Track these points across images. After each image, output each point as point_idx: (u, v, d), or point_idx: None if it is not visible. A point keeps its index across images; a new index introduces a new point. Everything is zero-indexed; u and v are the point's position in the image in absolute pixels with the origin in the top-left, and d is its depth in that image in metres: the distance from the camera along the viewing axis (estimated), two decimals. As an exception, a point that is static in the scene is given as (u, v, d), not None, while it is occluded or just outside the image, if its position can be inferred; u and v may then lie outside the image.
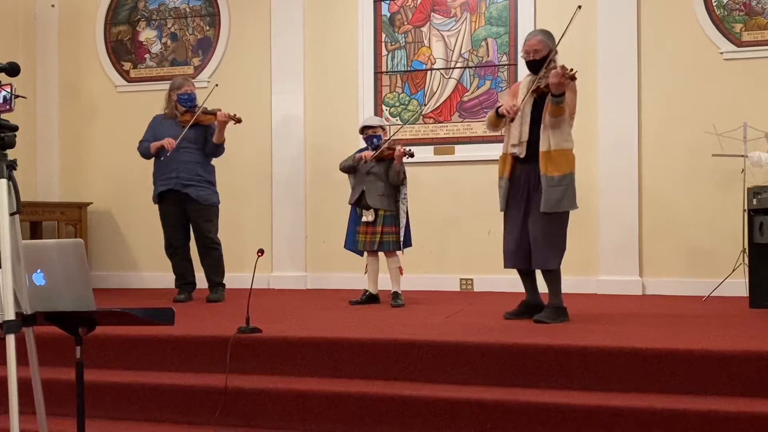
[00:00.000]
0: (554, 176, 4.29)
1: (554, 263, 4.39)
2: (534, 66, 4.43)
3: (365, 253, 5.48)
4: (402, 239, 5.34)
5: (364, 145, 5.61)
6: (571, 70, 4.14)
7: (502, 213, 4.58)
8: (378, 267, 5.47)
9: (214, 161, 5.89)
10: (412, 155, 5.25)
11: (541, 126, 4.35)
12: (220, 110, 5.68)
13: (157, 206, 5.87)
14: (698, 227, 6.01)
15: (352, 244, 5.54)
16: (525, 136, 4.40)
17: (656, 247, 6.11)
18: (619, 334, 3.88)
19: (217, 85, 5.73)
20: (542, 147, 4.33)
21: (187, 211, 5.75)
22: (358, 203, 5.42)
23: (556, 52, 4.45)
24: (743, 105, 5.85)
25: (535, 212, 4.37)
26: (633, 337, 3.72)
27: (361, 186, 5.39)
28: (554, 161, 4.30)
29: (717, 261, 5.81)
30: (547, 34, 4.47)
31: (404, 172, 5.34)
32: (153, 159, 5.84)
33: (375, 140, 5.42)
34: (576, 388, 3.39)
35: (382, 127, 5.55)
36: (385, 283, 5.54)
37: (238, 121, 5.74)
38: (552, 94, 4.21)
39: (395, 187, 5.38)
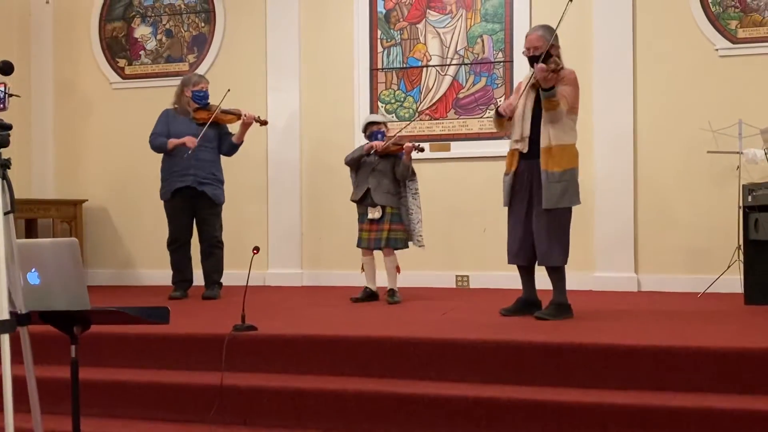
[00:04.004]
0: (554, 172, 4.31)
1: (558, 260, 4.39)
2: (533, 61, 4.43)
3: (361, 252, 5.44)
4: (418, 233, 5.32)
5: (360, 139, 5.58)
6: (558, 64, 4.17)
7: (506, 209, 4.60)
8: (374, 264, 5.45)
9: None
10: (421, 150, 5.25)
11: (542, 121, 4.36)
12: (240, 110, 5.74)
13: (150, 203, 5.85)
14: (693, 224, 6.02)
15: None
16: (526, 132, 4.43)
17: (652, 243, 6.12)
18: (615, 331, 3.89)
19: (229, 90, 5.69)
20: (542, 143, 4.35)
21: (197, 208, 5.74)
22: (362, 201, 5.38)
23: (558, 47, 4.46)
24: (738, 102, 5.86)
25: (538, 209, 4.38)
26: (628, 334, 3.73)
27: (366, 183, 5.34)
28: (554, 157, 4.32)
29: (712, 258, 5.81)
30: (548, 30, 4.48)
31: (413, 169, 5.35)
32: (162, 155, 5.81)
33: (380, 136, 5.38)
34: (572, 386, 3.39)
35: (386, 124, 5.52)
36: (380, 280, 5.53)
37: (264, 123, 5.80)
38: (542, 88, 4.24)
39: (400, 183, 5.36)
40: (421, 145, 5.31)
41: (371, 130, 5.46)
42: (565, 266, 4.48)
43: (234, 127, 5.89)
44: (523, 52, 4.62)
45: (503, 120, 4.54)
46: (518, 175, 4.48)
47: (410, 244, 5.42)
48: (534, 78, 4.36)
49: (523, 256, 4.50)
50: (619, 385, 3.35)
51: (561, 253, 4.39)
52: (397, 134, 5.45)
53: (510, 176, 4.51)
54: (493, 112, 4.63)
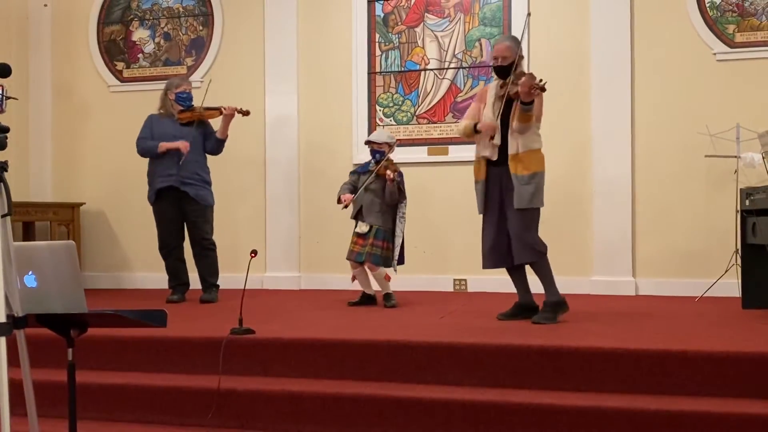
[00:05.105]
0: (524, 175, 4.41)
1: (533, 255, 4.45)
2: (501, 71, 4.52)
3: (350, 264, 5.45)
4: (396, 257, 5.34)
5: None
6: (541, 81, 4.20)
7: (481, 216, 4.66)
8: (365, 272, 5.42)
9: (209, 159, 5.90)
10: (398, 185, 5.32)
11: (509, 131, 4.43)
12: (221, 105, 5.73)
13: (147, 206, 5.86)
14: (691, 228, 6.02)
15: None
16: (497, 141, 4.49)
17: (649, 247, 6.12)
18: (612, 335, 3.89)
19: (210, 80, 5.71)
20: (510, 150, 4.44)
21: (184, 211, 5.74)
22: (356, 215, 5.44)
23: (522, 58, 4.53)
24: (736, 106, 5.86)
25: (511, 211, 4.46)
26: (626, 338, 3.73)
27: (360, 202, 5.41)
28: (523, 161, 4.42)
29: (710, 262, 5.82)
30: (515, 41, 4.56)
31: (403, 193, 5.35)
32: (149, 159, 5.81)
33: (378, 155, 5.43)
34: (569, 390, 3.39)
35: (388, 144, 5.48)
36: (375, 287, 5.52)
37: (246, 113, 5.77)
38: (521, 102, 4.29)
39: (392, 204, 5.37)
40: (397, 179, 5.29)
41: (371, 147, 5.49)
42: (549, 262, 4.50)
43: (218, 126, 5.87)
44: (491, 62, 4.65)
45: (477, 136, 4.59)
46: (490, 183, 4.56)
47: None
48: (506, 91, 4.40)
49: (496, 259, 4.58)
50: (617, 388, 3.36)
51: (534, 249, 4.44)
52: (385, 159, 5.41)
53: (482, 184, 4.59)
54: (463, 124, 4.65)
